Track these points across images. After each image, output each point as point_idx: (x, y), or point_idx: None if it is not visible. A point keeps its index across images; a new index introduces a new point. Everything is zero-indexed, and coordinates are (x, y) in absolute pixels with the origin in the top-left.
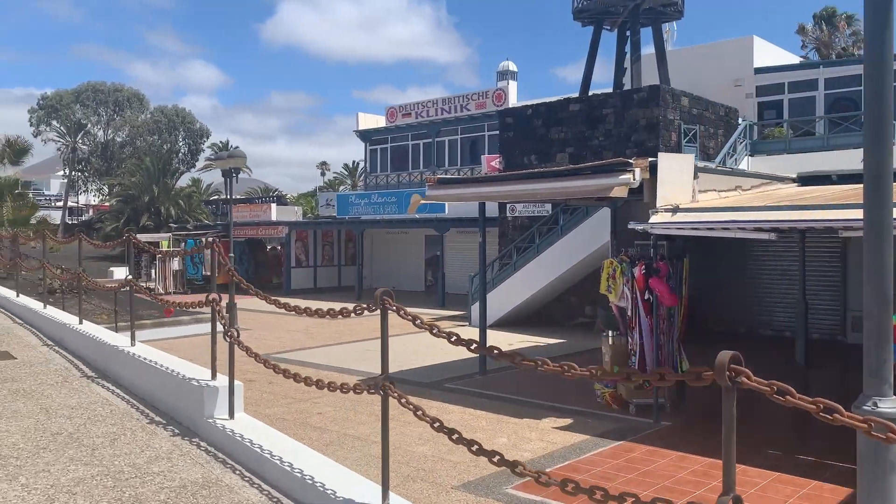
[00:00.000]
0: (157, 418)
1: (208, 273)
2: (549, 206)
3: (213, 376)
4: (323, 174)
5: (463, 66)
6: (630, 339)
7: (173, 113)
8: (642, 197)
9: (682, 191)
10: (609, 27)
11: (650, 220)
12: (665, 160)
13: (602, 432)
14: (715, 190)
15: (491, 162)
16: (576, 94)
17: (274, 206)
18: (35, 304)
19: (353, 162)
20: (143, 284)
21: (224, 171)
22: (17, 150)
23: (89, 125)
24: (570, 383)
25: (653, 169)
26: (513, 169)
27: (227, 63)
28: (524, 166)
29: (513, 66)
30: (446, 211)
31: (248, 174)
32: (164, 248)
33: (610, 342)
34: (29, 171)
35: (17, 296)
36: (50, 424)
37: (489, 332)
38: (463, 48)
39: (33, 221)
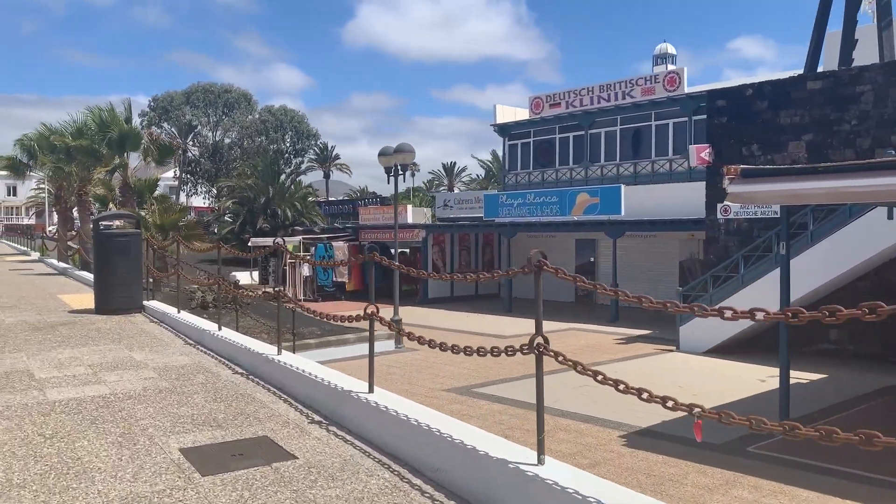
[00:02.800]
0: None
1: (339, 279)
2: (776, 207)
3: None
4: (413, 175)
5: (543, 62)
6: None
7: (281, 113)
8: None
9: None
10: None
11: None
12: None
13: None
14: None
15: (701, 153)
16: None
17: (410, 207)
18: (206, 325)
19: (451, 162)
20: (273, 290)
21: (386, 169)
22: (161, 150)
23: (199, 126)
24: None
25: None
26: (726, 161)
27: (309, 66)
28: (741, 157)
29: (671, 49)
30: (622, 212)
31: (349, 174)
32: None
33: None
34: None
35: (179, 312)
36: None
37: (706, 362)
38: (544, 44)
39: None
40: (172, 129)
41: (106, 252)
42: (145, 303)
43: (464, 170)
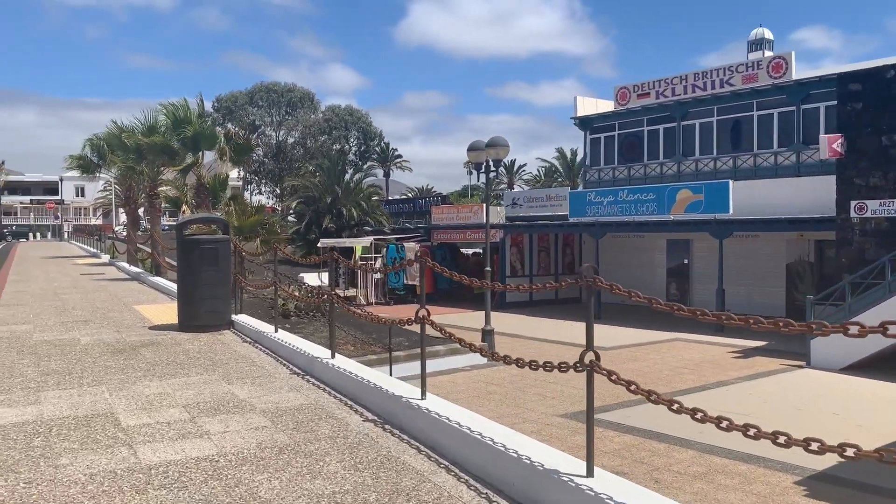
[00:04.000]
0: None
1: (410, 282)
2: None
3: None
4: (470, 173)
5: (598, 57)
6: None
7: (346, 112)
8: None
9: None
10: None
11: None
12: None
13: None
14: None
15: (832, 144)
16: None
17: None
18: (314, 349)
19: (510, 161)
20: (342, 293)
21: (476, 165)
22: (238, 148)
23: (262, 126)
24: None
25: None
26: (860, 153)
27: (363, 65)
28: (880, 148)
29: (768, 34)
30: (730, 210)
31: (410, 173)
32: (359, 254)
33: None
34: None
35: (276, 331)
36: None
37: (850, 382)
38: (599, 39)
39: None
40: (238, 129)
41: (191, 261)
42: (233, 317)
43: (523, 167)
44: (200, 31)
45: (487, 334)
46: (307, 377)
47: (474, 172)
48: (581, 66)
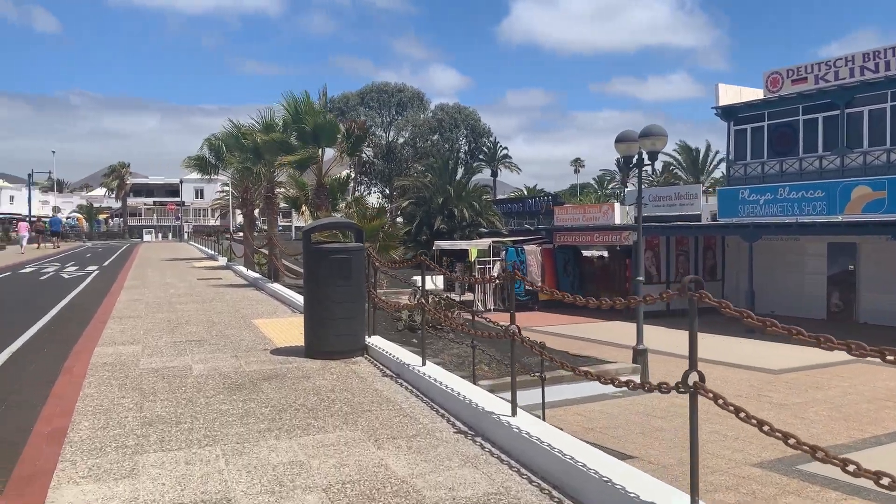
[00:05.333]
0: None
1: (532, 287)
2: None
3: None
4: (576, 171)
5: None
6: None
7: (455, 111)
8: None
9: None
10: None
11: None
12: None
13: None
14: None
15: None
16: None
17: (617, 206)
18: (482, 396)
19: (617, 159)
20: (457, 298)
21: (626, 158)
22: (356, 140)
23: (373, 126)
24: None
25: None
26: None
27: (465, 65)
28: None
29: None
30: None
31: (517, 173)
32: (475, 257)
33: None
34: None
35: (424, 363)
36: None
37: None
38: (710, 30)
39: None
40: (355, 122)
41: (320, 274)
42: (367, 340)
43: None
44: (309, 37)
45: (640, 354)
46: (478, 439)
47: (581, 171)
48: (691, 59)
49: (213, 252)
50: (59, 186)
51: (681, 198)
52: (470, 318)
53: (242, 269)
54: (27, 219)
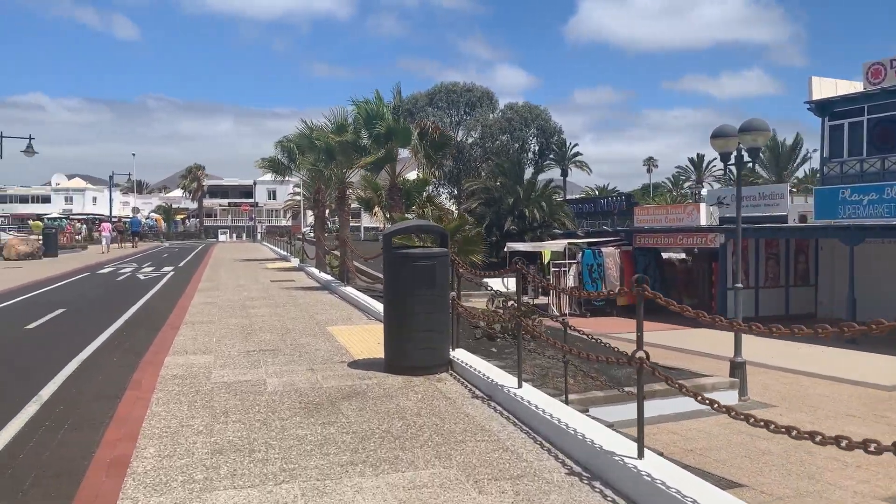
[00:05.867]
0: None
1: (610, 291)
2: None
3: None
4: (649, 170)
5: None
6: None
7: (525, 110)
8: None
9: None
10: None
11: None
12: None
13: None
14: None
15: None
16: None
17: (703, 206)
18: (598, 432)
19: (697, 155)
20: (531, 302)
21: (723, 155)
22: (435, 143)
23: (443, 127)
24: None
25: None
26: None
27: (532, 64)
28: None
29: None
30: None
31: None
32: (548, 259)
33: None
34: None
35: (520, 386)
36: None
37: None
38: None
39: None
40: (435, 124)
41: (402, 281)
42: (451, 353)
43: (713, 162)
44: (376, 39)
45: (738, 367)
46: (597, 484)
47: (654, 170)
48: (767, 55)
49: (285, 253)
50: (139, 188)
51: (765, 198)
52: (550, 323)
53: (315, 270)
54: (109, 219)
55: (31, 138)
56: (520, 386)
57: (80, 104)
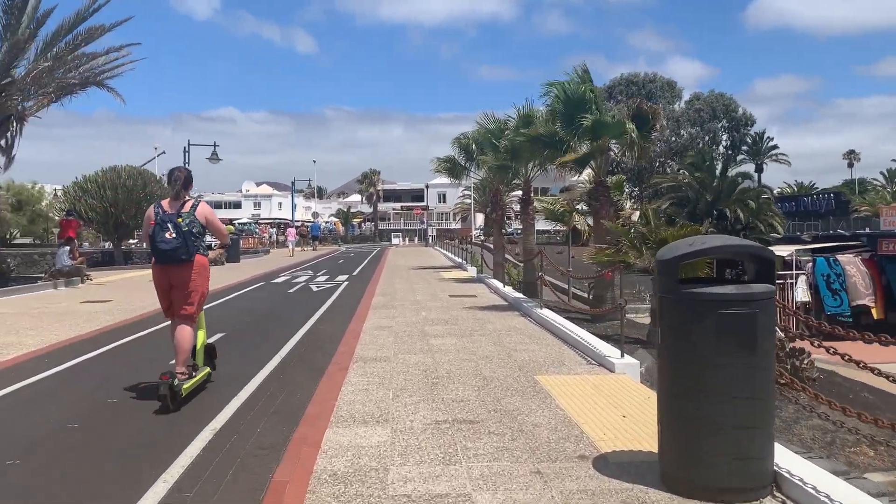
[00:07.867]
0: None
1: (858, 303)
2: None
3: None
4: (850, 165)
5: None
6: None
7: (713, 99)
8: None
9: None
10: None
11: None
12: None
13: None
14: None
15: None
16: None
17: None
18: None
19: None
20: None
21: None
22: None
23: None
24: None
25: None
26: None
27: (708, 54)
28: None
29: None
30: None
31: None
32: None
33: None
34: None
35: None
36: None
37: None
38: None
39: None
40: (648, 104)
41: (697, 342)
42: (778, 463)
43: None
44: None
45: None
46: None
47: (856, 164)
48: None
49: (460, 260)
50: (319, 193)
51: None
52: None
53: (497, 283)
54: (293, 224)
55: (215, 146)
56: None
57: (266, 116)
